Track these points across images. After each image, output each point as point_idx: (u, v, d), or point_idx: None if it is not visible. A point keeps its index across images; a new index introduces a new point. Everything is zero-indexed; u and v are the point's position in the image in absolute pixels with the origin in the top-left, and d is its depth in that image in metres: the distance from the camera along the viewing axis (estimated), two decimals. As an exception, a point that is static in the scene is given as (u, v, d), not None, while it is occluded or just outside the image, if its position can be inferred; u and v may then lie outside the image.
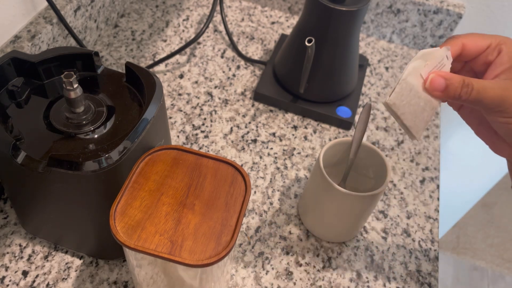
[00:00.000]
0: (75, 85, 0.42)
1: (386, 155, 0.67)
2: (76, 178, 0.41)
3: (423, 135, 0.71)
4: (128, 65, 0.48)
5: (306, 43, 0.58)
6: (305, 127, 0.69)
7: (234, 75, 0.75)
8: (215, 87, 0.73)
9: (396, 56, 0.83)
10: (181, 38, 0.79)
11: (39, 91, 0.48)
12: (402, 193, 0.63)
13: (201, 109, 0.69)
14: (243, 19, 0.85)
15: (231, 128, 0.67)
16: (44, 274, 0.50)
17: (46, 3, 0.64)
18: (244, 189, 0.42)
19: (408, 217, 0.61)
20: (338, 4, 0.60)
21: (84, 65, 0.49)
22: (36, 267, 0.51)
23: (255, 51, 0.79)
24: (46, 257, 0.52)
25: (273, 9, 0.88)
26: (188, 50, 0.78)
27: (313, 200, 0.54)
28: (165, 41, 0.78)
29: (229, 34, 0.78)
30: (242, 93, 0.72)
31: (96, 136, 0.44)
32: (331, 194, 0.50)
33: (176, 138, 0.65)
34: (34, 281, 0.49)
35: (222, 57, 0.77)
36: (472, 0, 0.80)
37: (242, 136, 0.67)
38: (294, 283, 0.53)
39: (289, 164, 0.64)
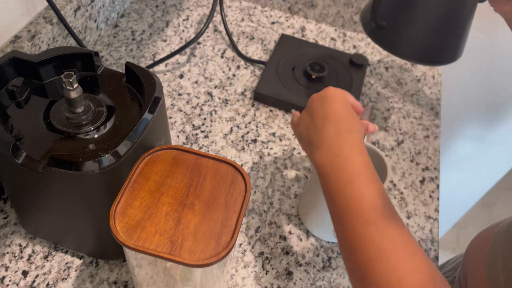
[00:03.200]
0: (75, 85, 0.42)
1: (386, 155, 0.67)
2: (76, 178, 0.41)
3: (423, 135, 0.71)
4: (128, 65, 0.48)
5: None
6: (305, 127, 0.69)
7: (234, 75, 0.75)
8: (215, 87, 0.73)
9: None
10: (181, 38, 0.79)
11: (39, 91, 0.48)
12: (402, 193, 0.63)
13: (201, 109, 0.69)
14: (243, 19, 0.85)
15: (231, 128, 0.67)
16: (44, 274, 0.50)
17: (46, 3, 0.64)
18: (244, 189, 0.42)
19: (408, 217, 0.61)
20: None
21: (84, 65, 0.49)
22: (36, 267, 0.51)
23: (255, 51, 0.79)
24: (46, 257, 0.52)
25: (273, 9, 0.88)
26: (188, 50, 0.78)
27: (313, 200, 0.54)
28: (165, 41, 0.78)
29: (229, 34, 0.78)
30: (242, 93, 0.72)
31: (96, 136, 0.44)
32: (331, 194, 0.50)
33: (176, 138, 0.65)
34: (34, 281, 0.49)
35: (222, 57, 0.77)
36: (472, 0, 0.79)
37: (242, 136, 0.67)
38: (294, 283, 0.53)
39: (289, 164, 0.64)
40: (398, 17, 0.57)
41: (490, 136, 1.09)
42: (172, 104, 0.69)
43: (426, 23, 0.56)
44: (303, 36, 0.84)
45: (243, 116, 0.69)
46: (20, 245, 0.52)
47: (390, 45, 0.59)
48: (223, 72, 0.75)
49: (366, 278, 0.37)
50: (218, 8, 0.84)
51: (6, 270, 0.50)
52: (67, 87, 0.42)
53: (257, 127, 0.68)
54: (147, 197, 0.40)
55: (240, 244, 0.55)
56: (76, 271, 0.51)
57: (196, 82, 0.73)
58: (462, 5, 0.55)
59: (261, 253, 0.55)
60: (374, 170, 0.42)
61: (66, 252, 0.52)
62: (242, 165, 0.63)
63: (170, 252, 0.37)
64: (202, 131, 0.66)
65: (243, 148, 0.65)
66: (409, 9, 0.56)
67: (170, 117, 0.68)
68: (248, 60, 0.77)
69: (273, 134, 0.68)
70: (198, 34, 0.71)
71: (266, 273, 0.53)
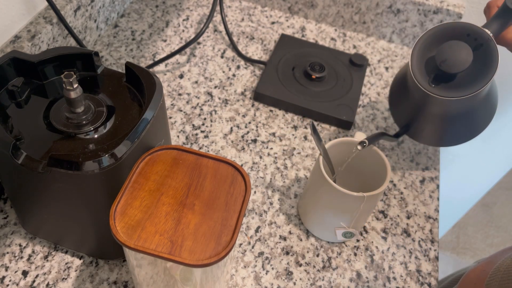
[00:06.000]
0: (75, 85, 0.42)
1: (386, 155, 0.67)
2: (76, 178, 0.41)
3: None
4: (128, 65, 0.48)
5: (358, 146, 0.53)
6: (305, 127, 0.69)
7: (234, 75, 0.75)
8: (215, 87, 0.73)
9: (396, 56, 0.83)
10: (181, 38, 0.79)
11: (39, 91, 0.48)
12: (402, 193, 0.63)
13: (201, 109, 0.69)
14: (243, 19, 0.85)
15: (231, 128, 0.67)
16: (44, 274, 0.50)
17: (46, 3, 0.64)
18: (244, 189, 0.42)
19: (408, 217, 0.61)
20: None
21: (84, 65, 0.49)
22: (36, 267, 0.51)
23: (255, 51, 0.79)
24: (46, 257, 0.52)
25: (273, 9, 0.88)
26: (188, 50, 0.78)
27: (313, 200, 0.54)
28: (165, 41, 0.78)
29: (229, 34, 0.78)
30: (242, 93, 0.72)
31: (96, 136, 0.44)
32: (331, 194, 0.50)
33: (176, 138, 0.65)
34: (34, 281, 0.49)
35: (222, 57, 0.77)
36: (472, 0, 0.80)
37: (242, 136, 0.67)
38: (294, 283, 0.53)
39: (289, 164, 0.64)
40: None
41: (490, 136, 1.09)
42: (172, 104, 0.69)
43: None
44: (303, 36, 0.84)
45: (243, 116, 0.69)
46: (20, 245, 0.52)
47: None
48: (223, 72, 0.75)
49: None
50: (218, 8, 0.84)
51: (6, 270, 0.50)
52: (67, 87, 0.42)
53: (257, 127, 0.68)
54: (147, 197, 0.40)
55: (240, 244, 0.55)
56: (76, 271, 0.51)
57: (196, 82, 0.73)
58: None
59: (261, 253, 0.55)
60: None
61: (66, 252, 0.52)
62: (242, 165, 0.63)
63: (170, 252, 0.37)
64: (202, 131, 0.66)
65: (243, 148, 0.65)
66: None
67: (170, 117, 0.68)
68: (248, 60, 0.77)
69: (273, 134, 0.68)
70: (198, 34, 0.71)
71: (266, 273, 0.53)
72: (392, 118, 0.65)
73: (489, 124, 0.59)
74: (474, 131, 0.59)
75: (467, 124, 0.58)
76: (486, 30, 0.51)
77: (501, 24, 0.51)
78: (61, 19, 0.63)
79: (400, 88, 0.61)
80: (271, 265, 0.54)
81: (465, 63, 0.51)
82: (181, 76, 0.73)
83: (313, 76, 0.72)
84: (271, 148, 0.66)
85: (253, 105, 0.71)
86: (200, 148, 0.64)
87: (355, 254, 0.56)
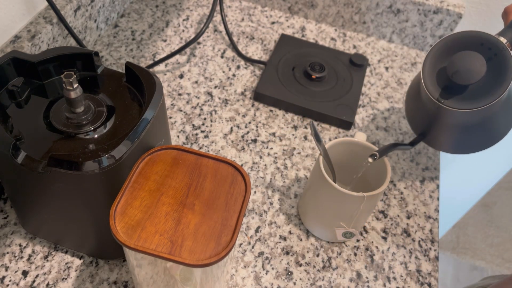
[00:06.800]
0: (75, 85, 0.42)
1: (386, 155, 0.67)
2: (76, 178, 0.41)
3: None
4: (128, 65, 0.48)
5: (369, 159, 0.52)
6: (305, 127, 0.69)
7: (234, 75, 0.75)
8: (215, 87, 0.73)
9: (396, 56, 0.83)
10: (181, 38, 0.79)
11: (39, 91, 0.48)
12: (402, 193, 0.63)
13: (201, 109, 0.69)
14: (243, 19, 0.85)
15: (231, 128, 0.67)
16: (44, 274, 0.50)
17: (46, 3, 0.64)
18: (244, 189, 0.42)
19: (408, 217, 0.61)
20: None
21: (84, 65, 0.49)
22: (36, 267, 0.51)
23: (255, 51, 0.79)
24: (46, 257, 0.52)
25: (273, 9, 0.88)
26: (188, 50, 0.78)
27: (313, 200, 0.54)
28: (165, 41, 0.78)
29: (229, 34, 0.78)
30: (242, 93, 0.72)
31: (96, 136, 0.44)
32: (331, 194, 0.50)
33: (176, 138, 0.65)
34: (34, 281, 0.49)
35: (222, 57, 0.77)
36: (472, 0, 0.80)
37: (242, 136, 0.67)
38: (294, 283, 0.53)
39: (289, 164, 0.64)
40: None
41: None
42: (172, 104, 0.69)
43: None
44: (303, 36, 0.84)
45: (243, 116, 0.69)
46: (20, 245, 0.52)
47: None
48: (223, 72, 0.75)
49: None
50: (218, 8, 0.84)
51: (6, 270, 0.50)
52: (67, 87, 0.42)
53: (257, 127, 0.68)
54: (147, 197, 0.40)
55: (240, 244, 0.55)
56: (76, 271, 0.51)
57: (196, 82, 0.73)
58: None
59: (261, 253, 0.55)
60: None
61: (66, 252, 0.52)
62: (242, 165, 0.63)
63: (170, 252, 0.37)
64: (202, 131, 0.66)
65: (243, 148, 0.65)
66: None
67: (170, 117, 0.68)
68: (248, 60, 0.77)
69: (273, 134, 0.68)
70: (198, 34, 0.71)
71: (266, 273, 0.53)
72: (409, 124, 0.64)
73: (510, 131, 0.57)
74: (494, 138, 0.57)
75: (485, 132, 0.56)
76: (502, 39, 0.49)
77: None
78: (61, 19, 0.63)
79: (415, 96, 0.60)
80: (271, 265, 0.54)
81: (478, 74, 0.49)
82: (181, 76, 0.73)
83: (313, 76, 0.72)
84: (271, 148, 0.66)
85: (253, 105, 0.71)
86: (200, 148, 0.65)
87: (355, 254, 0.56)
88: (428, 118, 0.58)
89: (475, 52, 0.50)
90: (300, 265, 0.54)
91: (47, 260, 0.51)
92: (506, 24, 0.52)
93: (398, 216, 0.61)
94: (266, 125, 0.69)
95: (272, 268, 0.54)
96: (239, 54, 0.78)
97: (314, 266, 0.55)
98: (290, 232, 0.57)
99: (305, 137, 0.68)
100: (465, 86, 0.51)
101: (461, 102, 0.51)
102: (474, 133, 0.57)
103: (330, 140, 0.68)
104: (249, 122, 0.68)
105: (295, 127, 0.69)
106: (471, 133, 0.57)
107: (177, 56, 0.76)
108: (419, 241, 0.59)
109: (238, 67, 0.76)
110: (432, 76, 0.53)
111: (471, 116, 0.52)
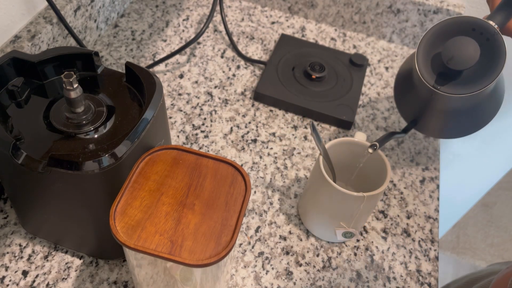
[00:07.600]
0: (75, 85, 0.42)
1: (386, 155, 0.67)
2: (76, 178, 0.41)
3: (423, 135, 0.71)
4: (128, 65, 0.48)
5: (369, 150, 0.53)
6: (305, 127, 0.69)
7: (234, 75, 0.75)
8: (215, 87, 0.73)
9: (396, 56, 0.83)
10: (181, 38, 0.79)
11: (39, 91, 0.48)
12: (402, 193, 0.63)
13: (201, 109, 0.69)
14: (243, 19, 0.85)
15: (231, 128, 0.67)
16: (44, 274, 0.50)
17: (46, 3, 0.64)
18: (244, 189, 0.42)
19: (408, 217, 0.61)
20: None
21: (84, 65, 0.49)
22: (36, 267, 0.51)
23: (255, 51, 0.79)
24: (46, 257, 0.52)
25: (273, 9, 0.88)
26: (188, 50, 0.78)
27: (313, 200, 0.54)
28: (165, 41, 0.78)
29: (229, 34, 0.78)
30: (242, 93, 0.72)
31: (96, 136, 0.44)
32: (331, 194, 0.50)
33: (176, 138, 0.65)
34: (34, 281, 0.49)
35: (222, 57, 0.77)
36: (472, 0, 0.80)
37: (242, 136, 0.67)
38: (294, 283, 0.53)
39: (289, 164, 0.64)
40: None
41: (490, 135, 1.09)
42: (172, 104, 0.69)
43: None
44: (303, 36, 0.84)
45: (243, 116, 0.69)
46: (20, 245, 0.52)
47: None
48: (223, 72, 0.75)
49: None
50: (218, 8, 0.84)
51: (6, 270, 0.50)
52: (67, 87, 0.42)
53: (257, 127, 0.68)
54: (147, 197, 0.40)
55: (240, 244, 0.55)
56: (76, 271, 0.51)
57: (196, 82, 0.73)
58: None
59: (261, 253, 0.55)
60: None
61: (66, 252, 0.52)
62: (242, 165, 0.63)
63: (170, 252, 0.37)
64: (202, 131, 0.66)
65: (243, 148, 0.65)
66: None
67: (170, 117, 0.68)
68: (248, 60, 0.77)
69: (273, 134, 0.68)
70: (198, 34, 0.71)
71: (266, 273, 0.53)
72: (399, 112, 0.65)
73: (495, 116, 0.58)
74: (480, 123, 0.58)
75: (473, 117, 0.57)
76: (491, 23, 0.50)
77: (505, 15, 0.50)
78: (61, 19, 0.63)
79: (406, 83, 0.60)
80: (271, 265, 0.54)
81: (473, 59, 0.50)
82: (181, 76, 0.73)
83: (313, 76, 0.72)
84: (271, 148, 0.66)
85: (253, 105, 0.71)
86: (200, 148, 0.64)
87: (355, 254, 0.56)
88: (421, 104, 0.58)
89: (468, 37, 0.50)
90: (300, 265, 0.54)
91: (47, 260, 0.51)
92: (492, 9, 0.52)
93: (398, 216, 0.61)
94: (266, 125, 0.69)
95: (272, 268, 0.54)
96: (239, 54, 0.78)
97: (314, 266, 0.55)
98: (290, 232, 0.57)
99: (305, 137, 0.68)
100: (459, 71, 0.51)
101: (456, 87, 0.52)
102: (464, 118, 0.57)
103: (330, 140, 0.68)
104: (249, 122, 0.68)
105: (295, 127, 0.69)
106: (461, 118, 0.57)
107: (177, 56, 0.76)
108: (419, 241, 0.59)
109: (238, 67, 0.76)
110: (426, 63, 0.53)
111: (464, 101, 0.53)
